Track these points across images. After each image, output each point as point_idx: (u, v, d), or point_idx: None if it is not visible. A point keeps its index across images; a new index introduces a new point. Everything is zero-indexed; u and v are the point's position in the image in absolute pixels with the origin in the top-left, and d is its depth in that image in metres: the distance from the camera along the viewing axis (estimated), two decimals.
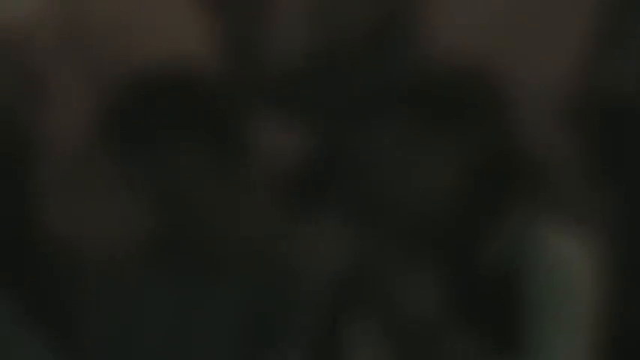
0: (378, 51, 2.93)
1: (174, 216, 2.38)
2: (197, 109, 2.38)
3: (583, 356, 2.18)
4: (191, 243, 2.43)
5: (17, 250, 2.66)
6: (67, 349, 2.43)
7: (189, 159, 2.35)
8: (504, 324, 2.18)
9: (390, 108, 2.26)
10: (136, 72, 2.50)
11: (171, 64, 2.46)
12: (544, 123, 2.64)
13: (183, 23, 3.03)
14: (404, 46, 2.93)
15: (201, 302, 2.45)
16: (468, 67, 2.24)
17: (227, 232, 2.45)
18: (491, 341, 2.19)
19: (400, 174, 2.20)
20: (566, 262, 2.19)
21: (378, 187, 2.23)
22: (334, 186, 2.80)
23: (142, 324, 2.44)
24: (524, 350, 2.18)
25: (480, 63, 2.25)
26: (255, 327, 2.44)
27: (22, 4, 3.28)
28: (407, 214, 2.20)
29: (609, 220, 2.70)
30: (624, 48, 3.06)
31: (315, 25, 3.03)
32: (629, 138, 2.79)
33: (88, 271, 2.60)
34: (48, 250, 2.71)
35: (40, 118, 2.81)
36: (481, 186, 2.19)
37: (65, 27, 3.11)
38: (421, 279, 2.24)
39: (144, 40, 3.01)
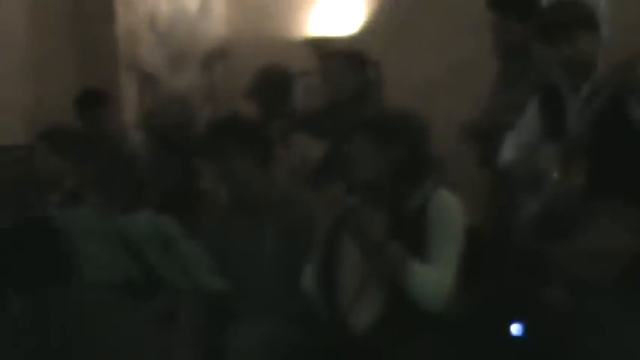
0: (355, 102, 4.78)
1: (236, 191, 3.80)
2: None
3: (458, 260, 3.17)
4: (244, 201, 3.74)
5: None
6: None
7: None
8: (419, 241, 3.18)
9: (360, 131, 3.33)
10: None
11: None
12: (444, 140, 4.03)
13: None
14: (368, 98, 4.81)
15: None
16: (402, 111, 3.49)
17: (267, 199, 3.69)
18: (412, 251, 3.14)
19: (365, 164, 3.27)
20: (450, 202, 3.28)
21: (355, 171, 3.36)
22: (335, 173, 4.49)
23: None
24: (431, 257, 3.15)
25: (409, 108, 3.56)
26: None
27: None
28: (371, 184, 3.27)
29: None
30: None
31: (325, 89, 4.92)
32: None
33: None
34: None
35: None
36: (410, 168, 3.27)
37: None
38: (378, 213, 3.23)
39: None
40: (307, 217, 3.59)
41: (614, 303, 3.11)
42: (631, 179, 3.70)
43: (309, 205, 3.68)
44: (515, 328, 2.97)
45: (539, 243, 3.71)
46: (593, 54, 3.73)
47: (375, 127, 3.35)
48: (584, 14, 3.74)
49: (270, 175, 3.80)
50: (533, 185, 3.85)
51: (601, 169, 3.66)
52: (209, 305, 3.66)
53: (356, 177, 3.38)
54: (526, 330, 2.91)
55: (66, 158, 4.42)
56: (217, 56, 6.75)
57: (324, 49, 5.94)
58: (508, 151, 4.02)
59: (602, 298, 3.21)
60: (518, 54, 4.55)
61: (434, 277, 3.16)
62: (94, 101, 5.51)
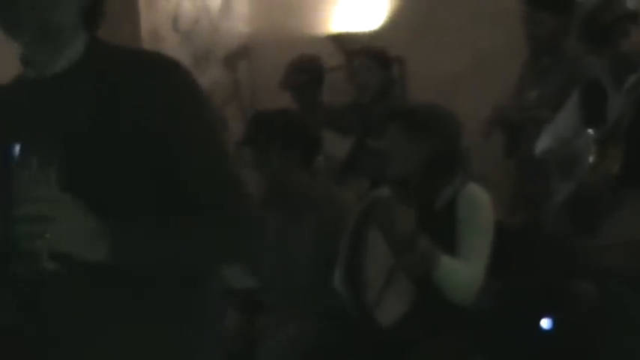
0: (380, 99, 4.79)
1: (275, 187, 3.78)
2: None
3: (489, 254, 3.18)
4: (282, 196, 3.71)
5: None
6: None
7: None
8: (449, 235, 3.19)
9: (394, 122, 3.33)
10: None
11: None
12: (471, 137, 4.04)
13: None
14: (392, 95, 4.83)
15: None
16: (435, 105, 3.48)
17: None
18: (442, 245, 3.13)
19: (398, 157, 3.32)
20: (480, 196, 3.29)
21: (388, 164, 3.37)
22: (360, 169, 4.52)
23: None
24: (461, 251, 3.15)
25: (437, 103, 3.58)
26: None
27: None
28: (403, 177, 3.25)
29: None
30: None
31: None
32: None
33: None
34: None
35: None
36: (443, 162, 3.26)
37: None
38: (407, 207, 3.18)
39: None
40: (345, 212, 3.54)
41: None
42: None
43: (346, 203, 3.66)
44: (545, 322, 2.96)
45: (570, 228, 3.74)
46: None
47: (410, 118, 3.35)
48: (630, 10, 3.71)
49: (310, 171, 3.77)
50: (569, 170, 3.86)
51: (636, 157, 3.66)
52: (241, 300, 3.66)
53: (388, 170, 3.37)
54: (555, 324, 2.90)
55: None
56: (240, 54, 6.76)
57: (347, 45, 5.95)
58: (545, 141, 4.04)
59: (630, 290, 3.19)
60: (549, 47, 4.53)
61: (464, 272, 3.16)
62: None
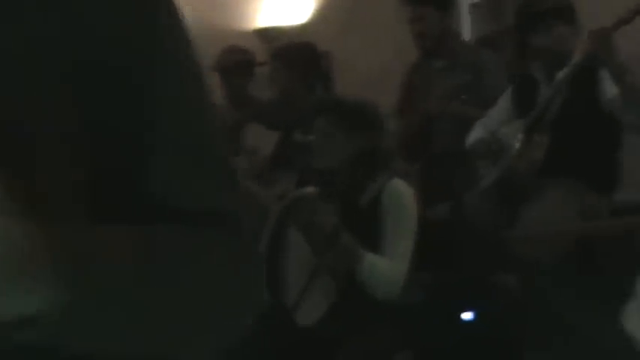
0: (307, 93, 4.77)
1: None
2: None
3: (412, 250, 3.20)
4: None
5: None
6: None
7: None
8: (373, 232, 3.16)
9: (325, 114, 3.29)
10: None
11: None
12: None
13: None
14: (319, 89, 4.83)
15: None
16: (359, 100, 3.47)
17: None
18: (365, 241, 3.12)
19: (327, 150, 3.29)
20: (404, 192, 3.28)
21: (314, 155, 3.34)
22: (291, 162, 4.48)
23: None
24: (384, 248, 3.13)
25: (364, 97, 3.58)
26: None
27: None
28: (331, 171, 3.25)
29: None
30: None
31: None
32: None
33: None
34: None
35: None
36: (368, 158, 3.24)
37: None
38: (329, 207, 3.20)
39: None
40: (261, 212, 3.48)
41: (564, 286, 3.12)
42: (587, 159, 3.79)
43: (266, 201, 3.63)
44: (468, 316, 2.98)
45: (493, 216, 3.78)
46: (569, 44, 3.81)
47: (338, 112, 3.34)
48: (559, 4, 3.82)
49: None
50: (495, 157, 3.93)
51: (561, 146, 3.75)
52: None
53: (315, 163, 3.35)
54: (478, 316, 2.92)
55: None
56: None
57: (274, 40, 5.92)
58: (475, 133, 4.09)
59: (550, 279, 3.23)
60: (439, 44, 4.58)
61: (388, 268, 3.14)
62: None
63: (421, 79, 4.71)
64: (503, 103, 4.04)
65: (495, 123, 4.02)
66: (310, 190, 3.32)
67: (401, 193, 3.29)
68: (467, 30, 5.49)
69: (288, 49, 5.07)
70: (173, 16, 0.98)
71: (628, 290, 2.99)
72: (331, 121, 3.33)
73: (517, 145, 3.81)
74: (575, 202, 3.71)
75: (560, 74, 3.79)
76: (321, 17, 6.10)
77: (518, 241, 3.54)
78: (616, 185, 3.84)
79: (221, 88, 5.37)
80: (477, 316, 2.89)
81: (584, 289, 3.10)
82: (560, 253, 3.56)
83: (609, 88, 3.62)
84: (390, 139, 4.13)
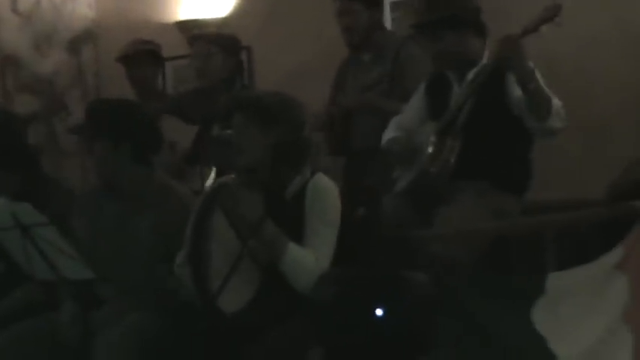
0: (226, 86, 4.78)
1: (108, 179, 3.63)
2: None
3: (334, 243, 3.24)
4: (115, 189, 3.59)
5: None
6: None
7: None
8: (296, 224, 3.21)
9: (240, 113, 3.29)
10: None
11: None
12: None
13: None
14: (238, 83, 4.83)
15: None
16: (282, 94, 3.47)
17: None
18: (289, 233, 3.16)
19: (246, 148, 3.29)
20: (329, 189, 3.32)
21: (234, 151, 3.32)
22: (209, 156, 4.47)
23: None
24: (307, 239, 3.18)
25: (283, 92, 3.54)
26: None
27: None
28: (251, 168, 3.29)
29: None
30: None
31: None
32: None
33: None
34: None
35: None
36: (289, 152, 3.25)
37: None
38: (255, 196, 3.21)
39: None
40: (182, 206, 3.49)
41: (474, 284, 3.17)
42: (498, 161, 3.85)
43: (184, 195, 3.60)
44: (380, 312, 3.01)
45: (407, 217, 3.81)
46: (468, 48, 3.89)
47: (255, 108, 3.34)
48: (450, 13, 3.88)
49: (146, 163, 3.64)
50: (409, 160, 3.97)
51: (473, 149, 3.81)
52: (76, 294, 3.51)
53: (236, 160, 3.34)
54: (388, 312, 2.95)
55: None
56: (85, 39, 6.62)
57: (194, 32, 5.89)
58: (390, 131, 4.13)
59: (462, 279, 3.27)
60: (366, 40, 4.63)
61: (310, 260, 3.19)
62: None
63: (348, 73, 4.75)
64: (416, 102, 4.10)
65: (409, 121, 4.07)
66: (235, 178, 3.33)
67: (324, 188, 3.35)
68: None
69: (208, 40, 5.06)
70: None
71: (536, 288, 3.08)
72: (248, 117, 3.34)
73: (430, 148, 3.86)
74: (487, 203, 3.77)
75: (470, 75, 3.86)
76: (242, 11, 6.09)
77: (431, 239, 3.59)
78: (527, 186, 3.91)
79: (127, 78, 5.32)
80: (387, 312, 2.92)
81: (496, 288, 3.15)
82: (472, 252, 3.61)
83: (516, 91, 3.69)
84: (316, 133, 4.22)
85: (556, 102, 3.66)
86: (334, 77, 4.84)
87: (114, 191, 3.66)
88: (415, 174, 3.93)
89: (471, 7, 3.94)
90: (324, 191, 3.34)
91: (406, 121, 4.09)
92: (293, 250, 3.18)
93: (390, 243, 3.58)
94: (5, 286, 3.81)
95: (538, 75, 3.65)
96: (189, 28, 6.06)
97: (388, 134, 4.12)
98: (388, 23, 5.36)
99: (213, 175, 4.44)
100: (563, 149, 4.69)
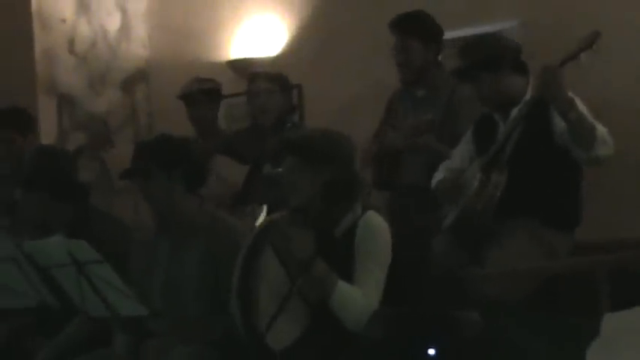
0: (278, 125, 4.83)
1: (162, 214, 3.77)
2: None
3: (384, 282, 3.24)
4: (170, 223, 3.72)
5: None
6: None
7: None
8: (347, 262, 3.22)
9: (289, 153, 3.34)
10: None
11: None
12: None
13: None
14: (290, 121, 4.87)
15: None
16: (325, 133, 3.50)
17: None
18: (339, 272, 3.17)
19: (296, 187, 3.35)
20: (380, 227, 3.31)
21: (285, 192, 3.38)
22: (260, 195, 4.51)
23: None
24: (357, 278, 3.18)
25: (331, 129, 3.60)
26: None
27: None
28: (300, 207, 3.34)
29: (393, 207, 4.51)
30: None
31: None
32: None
33: None
34: None
35: None
36: (339, 191, 3.28)
37: None
38: (305, 235, 3.22)
39: None
40: (231, 236, 3.53)
41: (526, 324, 3.15)
42: (546, 197, 3.83)
43: (235, 228, 3.63)
44: (432, 351, 3.00)
45: (456, 255, 3.80)
46: (509, 87, 3.89)
47: (304, 149, 3.36)
48: (487, 56, 3.91)
49: (198, 197, 3.73)
50: (456, 196, 3.97)
51: (520, 183, 3.79)
52: (128, 327, 3.59)
53: (287, 200, 3.36)
54: (441, 352, 2.94)
55: None
56: (138, 78, 6.73)
57: (247, 71, 5.94)
58: (440, 174, 4.14)
59: (514, 319, 3.25)
60: (420, 75, 4.64)
61: (359, 298, 3.17)
62: (12, 122, 5.37)
63: (400, 108, 4.75)
64: (465, 145, 4.11)
65: (458, 164, 4.07)
66: (285, 216, 3.33)
67: (375, 226, 3.33)
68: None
69: (262, 78, 5.10)
70: None
71: (590, 329, 3.03)
72: (298, 157, 3.36)
73: (475, 184, 3.85)
74: (538, 241, 3.74)
75: (514, 112, 3.85)
76: (292, 51, 6.13)
77: (481, 279, 3.57)
78: (578, 221, 3.88)
79: (188, 117, 5.39)
80: (438, 351, 2.91)
81: (547, 328, 3.13)
82: (522, 291, 3.59)
83: (560, 122, 3.68)
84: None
85: (600, 129, 3.64)
86: (385, 109, 4.85)
87: (166, 225, 3.72)
88: (461, 211, 3.92)
89: (507, 48, 3.96)
90: (375, 229, 3.33)
91: (455, 164, 4.10)
92: (342, 288, 3.18)
93: (441, 282, 3.59)
94: (60, 322, 3.86)
95: (580, 103, 3.63)
96: (240, 67, 6.12)
97: (438, 176, 4.12)
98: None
99: (264, 213, 4.43)
100: (616, 188, 4.64)
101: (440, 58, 4.66)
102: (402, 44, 4.62)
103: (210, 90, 5.43)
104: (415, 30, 4.60)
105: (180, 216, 3.68)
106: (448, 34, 4.73)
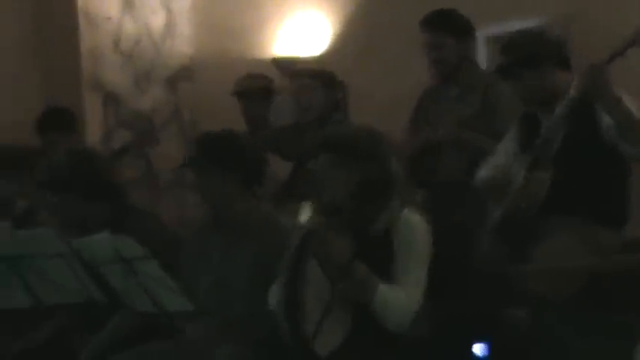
0: (322, 122, 4.84)
1: (216, 210, 3.79)
2: None
3: (425, 280, 3.20)
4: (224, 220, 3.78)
5: None
6: None
7: None
8: (386, 262, 3.19)
9: (324, 152, 3.30)
10: None
11: None
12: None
13: None
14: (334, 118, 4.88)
15: None
16: (367, 131, 3.48)
17: None
18: (378, 272, 3.13)
19: (331, 186, 3.30)
20: (417, 225, 3.27)
21: (321, 193, 3.34)
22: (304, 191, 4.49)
23: None
24: (397, 278, 3.15)
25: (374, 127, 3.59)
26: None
27: None
28: (337, 206, 3.31)
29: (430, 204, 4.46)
30: None
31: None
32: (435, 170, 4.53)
33: None
34: None
35: None
36: (374, 189, 3.24)
37: None
38: (343, 235, 3.17)
39: None
40: (283, 238, 3.45)
41: (572, 322, 3.12)
42: (593, 194, 3.79)
43: (286, 227, 3.57)
44: (478, 348, 2.99)
45: (501, 253, 3.78)
46: (552, 84, 3.85)
47: (339, 147, 3.32)
48: (529, 53, 3.86)
49: (253, 196, 3.71)
50: (501, 194, 3.93)
51: (566, 181, 3.75)
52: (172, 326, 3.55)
53: (322, 200, 3.32)
54: (488, 350, 2.93)
55: (12, 181, 4.38)
56: (182, 75, 6.78)
57: (291, 68, 5.95)
58: (484, 170, 4.10)
59: (560, 316, 3.22)
60: (455, 71, 4.64)
61: (401, 299, 3.15)
62: (57, 122, 5.43)
63: (435, 105, 4.74)
64: (509, 141, 4.07)
65: (503, 159, 4.03)
66: (321, 221, 3.29)
67: (414, 224, 3.28)
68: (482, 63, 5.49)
69: (306, 75, 5.11)
70: None
71: (638, 328, 3.01)
72: (333, 156, 3.32)
73: (520, 181, 3.82)
74: (585, 238, 3.71)
75: (558, 109, 3.82)
76: (336, 47, 6.14)
77: (528, 276, 3.55)
78: (626, 218, 3.85)
79: (242, 113, 5.44)
80: (487, 349, 2.89)
81: (594, 326, 3.10)
82: (568, 288, 3.56)
83: (606, 118, 3.64)
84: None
85: None
86: (415, 107, 4.84)
87: (219, 223, 3.72)
88: (505, 208, 3.90)
89: (549, 43, 3.92)
90: (414, 228, 3.29)
91: (500, 160, 4.06)
92: (383, 289, 3.14)
93: (486, 279, 3.57)
94: (106, 319, 3.89)
95: (627, 98, 3.59)
96: (285, 65, 6.15)
97: (482, 173, 4.09)
98: (483, 58, 5.34)
99: (308, 210, 4.43)
100: None
101: (473, 53, 4.68)
102: (435, 41, 4.62)
103: (265, 87, 5.48)
104: (447, 27, 4.60)
105: (234, 214, 3.68)
106: (490, 30, 4.72)
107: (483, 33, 5.27)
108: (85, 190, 3.98)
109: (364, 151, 3.30)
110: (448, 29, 4.60)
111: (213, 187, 3.66)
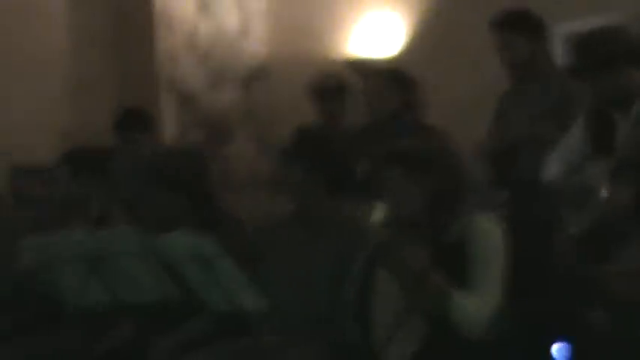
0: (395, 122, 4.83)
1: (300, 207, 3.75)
2: None
3: (502, 285, 3.16)
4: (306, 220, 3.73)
5: None
6: None
7: None
8: (460, 270, 3.14)
9: (392, 164, 3.27)
10: None
11: None
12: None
13: None
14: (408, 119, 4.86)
15: None
16: (428, 143, 3.48)
17: None
18: (453, 280, 3.09)
19: (400, 198, 3.23)
20: (490, 230, 3.23)
21: (391, 205, 3.32)
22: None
23: None
24: (472, 284, 3.10)
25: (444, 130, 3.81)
26: None
27: None
28: (408, 218, 3.23)
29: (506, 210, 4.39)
30: None
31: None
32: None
33: None
34: None
35: None
36: (445, 200, 3.21)
37: None
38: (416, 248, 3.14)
39: None
40: (362, 241, 3.43)
41: None
42: None
43: (364, 230, 3.51)
44: (556, 350, 2.95)
45: (584, 263, 3.71)
46: (627, 83, 3.75)
47: (408, 159, 3.30)
48: (603, 53, 3.76)
49: (338, 196, 3.74)
50: (581, 202, 3.82)
51: None
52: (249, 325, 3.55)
53: (392, 211, 3.31)
54: (570, 352, 2.89)
55: (88, 182, 4.45)
56: (257, 75, 6.82)
57: (365, 68, 5.96)
58: (554, 166, 4.01)
59: None
60: (529, 69, 4.59)
61: (476, 305, 3.12)
62: (135, 122, 5.49)
63: (513, 105, 4.69)
64: (577, 137, 3.95)
65: (572, 155, 3.94)
66: (396, 233, 3.28)
67: (486, 230, 3.25)
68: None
69: (381, 75, 5.12)
70: None
71: None
72: (402, 170, 3.29)
73: (603, 192, 3.73)
74: None
75: (635, 107, 3.72)
76: (410, 47, 6.13)
77: (612, 277, 3.49)
78: None
79: (316, 113, 5.46)
80: (568, 350, 2.86)
81: None
82: None
83: None
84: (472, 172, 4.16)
85: None
86: (495, 109, 4.80)
87: (303, 220, 3.75)
88: (591, 221, 3.78)
89: (625, 42, 3.80)
90: (487, 234, 3.25)
91: (567, 155, 3.96)
92: (459, 297, 3.11)
93: (567, 278, 3.52)
94: (184, 317, 3.92)
95: None
96: (358, 65, 6.16)
97: (550, 170, 4.00)
98: (561, 56, 5.28)
99: (381, 210, 4.42)
100: None
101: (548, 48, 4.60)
102: (505, 42, 4.59)
103: (340, 86, 5.51)
104: (516, 26, 4.57)
105: (320, 212, 3.71)
106: (570, 27, 4.67)
107: (563, 30, 5.25)
108: (190, 191, 4.02)
109: (434, 163, 3.28)
110: (517, 29, 4.57)
111: (303, 183, 3.69)
